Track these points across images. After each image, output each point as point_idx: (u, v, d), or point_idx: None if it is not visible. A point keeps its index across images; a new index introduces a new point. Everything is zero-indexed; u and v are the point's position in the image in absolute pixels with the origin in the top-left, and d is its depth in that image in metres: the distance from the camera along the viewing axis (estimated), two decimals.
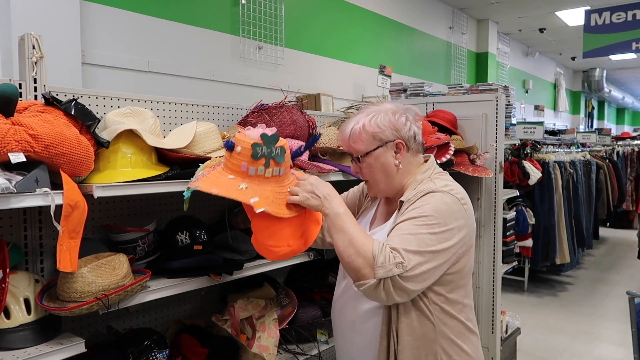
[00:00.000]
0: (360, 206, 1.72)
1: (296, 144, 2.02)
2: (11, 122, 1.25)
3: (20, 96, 1.47)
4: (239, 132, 1.39)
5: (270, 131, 1.36)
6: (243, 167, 1.34)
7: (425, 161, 1.54)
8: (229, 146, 1.35)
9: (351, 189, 1.79)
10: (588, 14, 6.41)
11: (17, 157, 1.23)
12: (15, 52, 2.59)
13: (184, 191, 1.41)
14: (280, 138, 1.39)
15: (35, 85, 1.51)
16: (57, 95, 1.51)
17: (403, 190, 1.48)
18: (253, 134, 1.35)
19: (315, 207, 1.36)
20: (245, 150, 1.33)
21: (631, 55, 9.92)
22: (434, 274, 1.31)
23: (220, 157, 1.56)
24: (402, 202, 1.41)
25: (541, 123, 5.30)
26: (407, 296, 1.27)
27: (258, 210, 1.28)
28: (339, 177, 2.14)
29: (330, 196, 1.35)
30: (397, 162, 1.46)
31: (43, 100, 1.44)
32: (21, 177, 1.24)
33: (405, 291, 1.25)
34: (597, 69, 12.81)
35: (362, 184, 1.75)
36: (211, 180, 1.37)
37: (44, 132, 1.27)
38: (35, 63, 1.50)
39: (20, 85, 1.49)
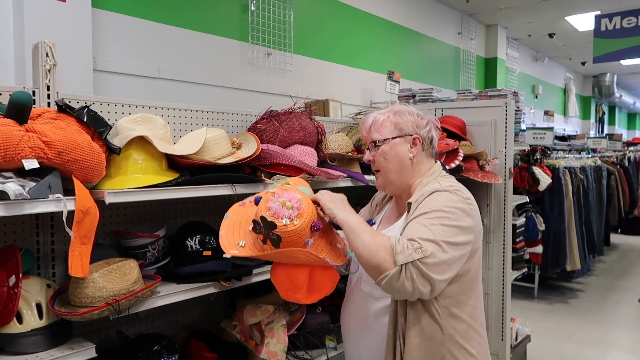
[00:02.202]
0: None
1: (310, 157, 2.02)
2: (25, 129, 1.27)
3: (34, 103, 1.50)
4: (272, 190, 1.39)
5: (287, 210, 1.32)
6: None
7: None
8: (257, 200, 1.40)
9: (361, 210, 1.80)
10: (598, 18, 6.37)
11: (30, 164, 1.24)
12: (29, 60, 2.62)
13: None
14: (302, 210, 1.33)
15: (48, 92, 1.54)
16: (69, 102, 1.53)
17: (410, 192, 1.50)
18: (273, 205, 1.33)
19: (330, 214, 1.39)
20: (251, 221, 1.36)
21: None
22: (453, 266, 1.30)
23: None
24: (410, 204, 1.43)
25: (551, 128, 5.27)
26: (430, 287, 1.25)
27: (226, 255, 1.36)
28: (347, 183, 2.14)
29: (341, 203, 1.40)
30: (411, 155, 1.50)
31: (56, 108, 1.46)
32: (34, 184, 1.26)
33: (429, 280, 1.24)
34: (608, 74, 12.70)
35: (370, 202, 1.76)
36: (235, 223, 1.44)
37: (57, 138, 1.29)
38: (49, 70, 1.52)
39: (33, 92, 1.52)
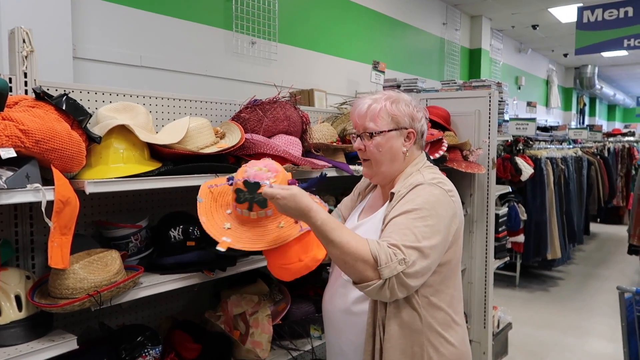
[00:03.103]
0: (354, 208, 1.72)
1: (294, 147, 2.02)
2: (1, 117, 1.24)
3: (10, 91, 1.46)
4: (244, 165, 1.44)
5: (264, 173, 1.37)
6: (234, 204, 1.42)
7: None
8: (230, 182, 1.41)
9: (344, 199, 1.79)
10: (580, 10, 6.43)
11: (7, 153, 1.21)
12: (5, 46, 2.55)
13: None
14: (278, 171, 1.41)
15: (25, 79, 1.49)
16: (48, 90, 1.50)
17: (394, 182, 1.50)
18: (250, 171, 1.39)
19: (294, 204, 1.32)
20: (233, 192, 1.40)
21: (623, 53, 9.98)
22: (431, 268, 1.33)
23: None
24: (392, 194, 1.43)
25: (533, 119, 5.33)
26: (407, 292, 1.29)
27: (220, 249, 1.35)
28: (332, 173, 2.13)
29: (305, 209, 1.26)
30: (404, 149, 1.49)
31: (34, 95, 1.42)
32: (12, 173, 1.23)
33: (407, 287, 1.26)
34: (589, 66, 12.88)
35: (353, 191, 1.76)
36: (211, 207, 1.45)
37: (35, 127, 1.26)
38: (26, 57, 1.48)
39: (10, 79, 1.47)
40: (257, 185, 1.33)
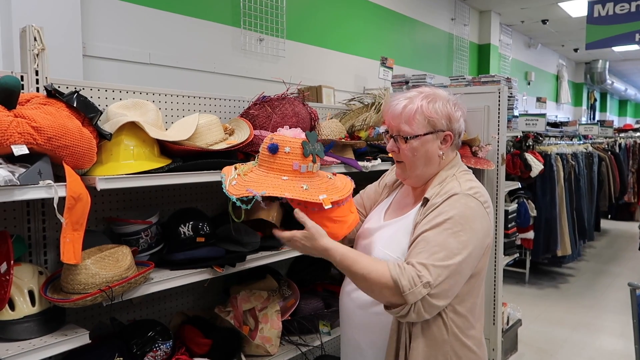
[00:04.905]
0: (376, 200, 1.68)
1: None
2: (14, 115, 1.25)
3: (22, 88, 1.47)
4: (275, 134, 1.45)
5: (299, 131, 1.44)
6: (295, 166, 1.39)
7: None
8: (274, 148, 1.39)
9: (368, 186, 1.75)
10: (591, 5, 6.36)
11: (20, 150, 1.23)
12: (16, 44, 2.58)
13: (235, 201, 1.36)
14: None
15: (37, 77, 1.51)
16: (58, 87, 1.51)
17: (427, 184, 1.46)
18: (290, 133, 1.43)
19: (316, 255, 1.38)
20: (296, 149, 1.39)
21: (634, 47, 9.83)
22: (461, 283, 1.31)
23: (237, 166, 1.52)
24: (426, 199, 1.38)
25: (543, 115, 5.28)
26: (435, 312, 1.28)
27: (327, 206, 1.34)
28: (341, 170, 2.13)
29: (323, 248, 1.33)
30: (440, 152, 1.43)
31: (45, 93, 1.44)
32: (24, 170, 1.24)
33: (435, 308, 1.26)
34: (600, 61, 12.73)
35: (378, 181, 1.74)
36: (264, 183, 1.37)
37: (47, 124, 1.27)
38: (37, 55, 1.50)
39: (22, 77, 1.49)
40: (315, 134, 1.43)
